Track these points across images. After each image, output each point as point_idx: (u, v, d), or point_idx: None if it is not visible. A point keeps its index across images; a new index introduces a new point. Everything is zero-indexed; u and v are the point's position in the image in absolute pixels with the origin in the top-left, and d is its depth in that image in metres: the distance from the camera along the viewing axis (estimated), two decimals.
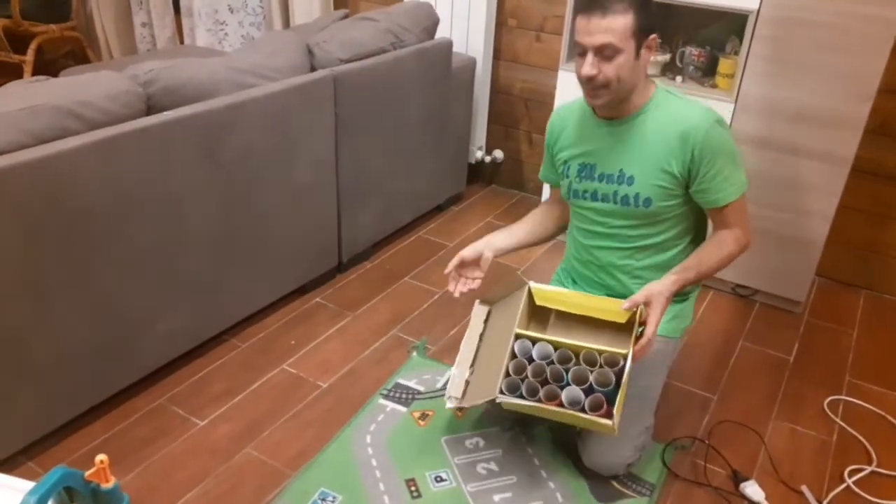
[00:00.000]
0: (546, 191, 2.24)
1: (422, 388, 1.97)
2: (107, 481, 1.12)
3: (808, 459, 1.82)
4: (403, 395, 1.95)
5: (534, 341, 1.62)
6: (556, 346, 1.60)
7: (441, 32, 2.75)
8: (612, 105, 1.61)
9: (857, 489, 1.73)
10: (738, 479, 1.72)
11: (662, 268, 1.66)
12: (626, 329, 1.59)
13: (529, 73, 2.98)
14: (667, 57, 2.40)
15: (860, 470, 1.78)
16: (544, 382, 1.56)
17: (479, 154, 3.14)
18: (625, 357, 1.51)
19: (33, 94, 1.59)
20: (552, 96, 2.57)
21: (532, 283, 1.69)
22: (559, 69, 2.51)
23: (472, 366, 1.63)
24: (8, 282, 1.50)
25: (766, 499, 1.67)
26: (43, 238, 1.53)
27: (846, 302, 2.52)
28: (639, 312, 1.55)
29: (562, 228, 1.93)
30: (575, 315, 1.67)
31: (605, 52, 1.51)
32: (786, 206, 2.27)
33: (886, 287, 2.55)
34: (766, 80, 2.16)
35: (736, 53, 2.26)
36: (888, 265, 2.52)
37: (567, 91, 2.51)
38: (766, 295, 2.46)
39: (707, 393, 2.03)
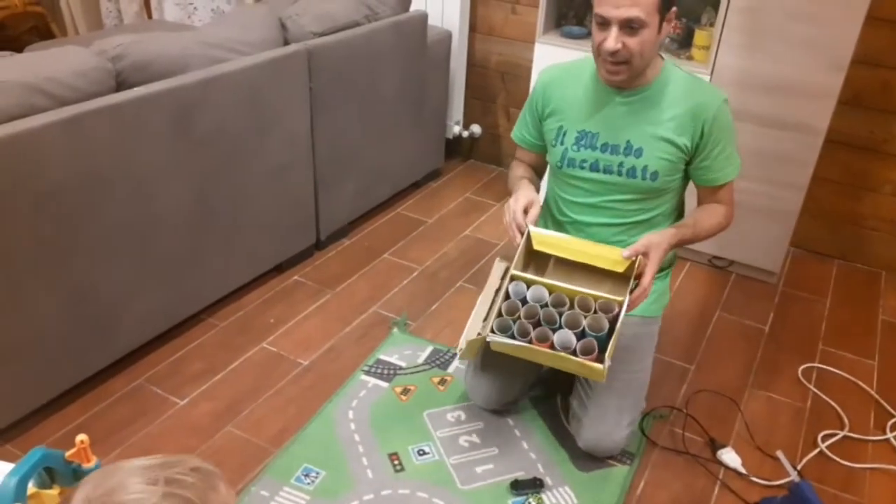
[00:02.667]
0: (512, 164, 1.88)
1: (403, 364, 1.98)
2: (88, 461, 1.11)
3: (783, 426, 1.86)
4: (385, 371, 1.95)
5: (529, 284, 1.59)
6: (551, 289, 1.58)
7: (416, 5, 2.71)
8: (627, 80, 1.57)
9: (829, 453, 1.77)
10: (715, 446, 1.75)
11: None
12: (623, 278, 1.57)
13: (505, 47, 2.96)
14: None
15: (833, 435, 1.83)
16: (536, 325, 1.54)
17: (457, 129, 3.12)
18: (620, 304, 1.50)
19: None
20: (529, 69, 2.56)
21: (531, 227, 1.63)
22: (535, 42, 2.50)
23: (485, 319, 1.59)
24: None
25: (743, 465, 1.71)
26: (11, 217, 1.50)
27: (819, 272, 2.56)
28: (637, 262, 1.54)
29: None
30: (574, 262, 1.64)
31: (631, 25, 1.45)
32: (760, 177, 2.30)
33: (858, 257, 2.60)
34: (742, 51, 2.17)
35: (711, 25, 2.26)
36: (860, 235, 2.56)
37: (543, 64, 2.49)
38: (741, 266, 2.50)
39: (685, 363, 2.06)
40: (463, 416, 1.81)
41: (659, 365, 2.02)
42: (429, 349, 2.03)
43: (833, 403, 1.93)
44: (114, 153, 1.67)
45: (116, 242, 1.74)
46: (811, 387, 1.99)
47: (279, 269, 2.37)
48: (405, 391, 1.88)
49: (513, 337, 1.52)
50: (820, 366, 2.08)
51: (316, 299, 2.25)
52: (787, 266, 2.58)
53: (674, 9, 1.51)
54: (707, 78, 2.23)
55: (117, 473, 0.70)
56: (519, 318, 1.54)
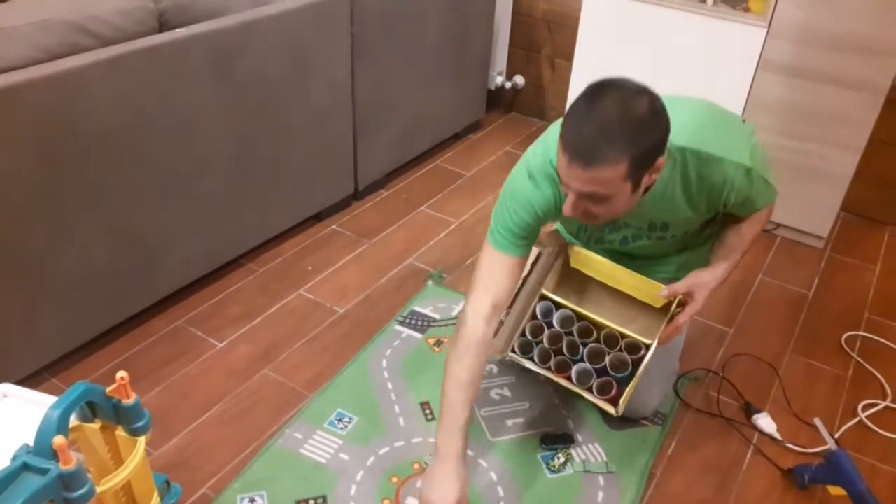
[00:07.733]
0: (471, 312, 1.43)
1: (437, 316, 1.98)
2: (128, 397, 1.14)
3: (822, 394, 1.82)
4: (419, 323, 1.95)
5: (558, 306, 1.55)
6: (580, 316, 1.54)
7: None
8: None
9: (869, 423, 1.73)
10: (750, 410, 1.73)
11: (703, 253, 1.59)
12: (663, 312, 1.50)
13: None
14: None
15: (874, 405, 1.78)
16: (558, 352, 1.52)
17: (500, 80, 3.06)
18: (647, 346, 1.45)
19: (42, 8, 1.55)
20: (576, 19, 2.48)
21: (571, 243, 1.60)
22: None
23: (509, 308, 1.59)
24: (25, 202, 1.49)
25: (778, 430, 1.68)
26: (58, 157, 1.52)
27: (870, 238, 2.48)
28: (675, 301, 1.46)
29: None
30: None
31: (593, 198, 1.22)
32: (814, 137, 2.20)
33: None
34: (804, 2, 2.06)
35: None
36: None
37: (592, 14, 2.42)
38: (787, 229, 2.42)
39: (723, 326, 2.03)
40: (495, 370, 1.81)
41: (696, 327, 1.99)
42: (463, 303, 2.03)
43: (876, 373, 1.88)
44: (157, 95, 1.67)
45: (160, 184, 1.76)
46: (854, 355, 1.94)
47: (317, 217, 2.37)
48: (438, 343, 1.89)
49: (533, 360, 1.52)
50: (865, 334, 2.02)
51: (353, 249, 2.26)
52: (836, 231, 2.49)
53: (660, 159, 1.21)
54: (763, 32, 2.13)
55: None
56: (542, 341, 1.52)
